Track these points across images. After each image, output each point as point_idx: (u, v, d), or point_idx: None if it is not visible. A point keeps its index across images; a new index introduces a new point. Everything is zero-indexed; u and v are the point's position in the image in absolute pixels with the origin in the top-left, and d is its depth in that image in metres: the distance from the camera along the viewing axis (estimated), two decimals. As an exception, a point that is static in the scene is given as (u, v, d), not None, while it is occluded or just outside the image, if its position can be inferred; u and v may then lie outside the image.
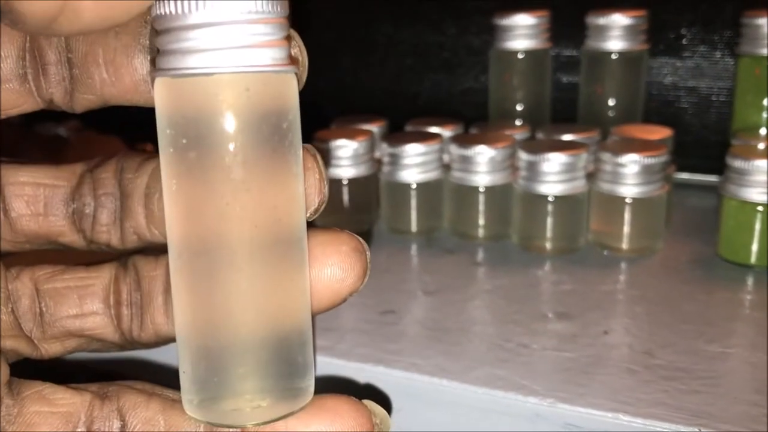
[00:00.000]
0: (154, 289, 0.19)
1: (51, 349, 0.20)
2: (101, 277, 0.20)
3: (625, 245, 0.39)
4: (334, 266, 0.18)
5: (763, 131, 0.42)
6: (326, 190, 0.18)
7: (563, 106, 0.49)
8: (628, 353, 0.30)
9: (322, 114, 0.49)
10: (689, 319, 0.32)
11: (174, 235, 0.17)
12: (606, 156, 0.38)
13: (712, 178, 0.46)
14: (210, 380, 0.17)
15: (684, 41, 0.47)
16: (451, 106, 0.52)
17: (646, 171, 0.38)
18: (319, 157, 0.18)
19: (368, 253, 0.18)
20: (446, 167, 0.42)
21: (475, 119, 0.47)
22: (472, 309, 0.34)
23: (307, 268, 0.17)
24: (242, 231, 0.16)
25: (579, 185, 0.39)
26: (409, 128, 0.45)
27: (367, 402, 0.18)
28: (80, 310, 0.19)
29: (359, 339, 0.31)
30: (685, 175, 0.48)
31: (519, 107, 0.47)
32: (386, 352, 0.30)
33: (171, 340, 0.19)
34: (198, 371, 0.17)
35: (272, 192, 0.16)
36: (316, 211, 0.18)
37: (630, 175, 0.38)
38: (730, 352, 0.30)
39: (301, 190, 0.17)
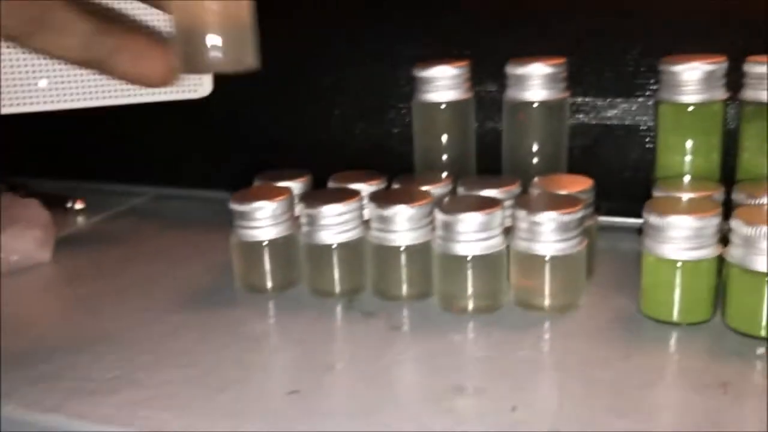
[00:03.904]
0: None
1: None
2: None
3: (545, 303, 0.38)
4: None
5: (686, 179, 0.41)
6: None
7: (492, 152, 0.48)
8: (534, 432, 0.29)
9: (252, 165, 0.48)
10: (602, 388, 0.31)
11: None
12: (522, 214, 0.37)
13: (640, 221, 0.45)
14: None
15: (607, 85, 0.46)
16: (380, 154, 0.51)
17: (563, 228, 0.37)
18: None
19: None
20: (368, 224, 0.41)
21: (405, 168, 0.47)
22: (378, 386, 0.33)
23: None
24: None
25: (496, 243, 0.38)
26: (331, 184, 0.44)
27: None
28: None
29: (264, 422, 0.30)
30: (614, 219, 0.47)
31: (444, 157, 0.46)
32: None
33: None
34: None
35: None
36: None
37: (547, 232, 0.37)
38: (637, 430, 0.29)
39: None
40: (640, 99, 0.46)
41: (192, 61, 0.31)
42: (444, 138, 0.46)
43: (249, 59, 0.32)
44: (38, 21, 0.30)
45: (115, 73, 0.33)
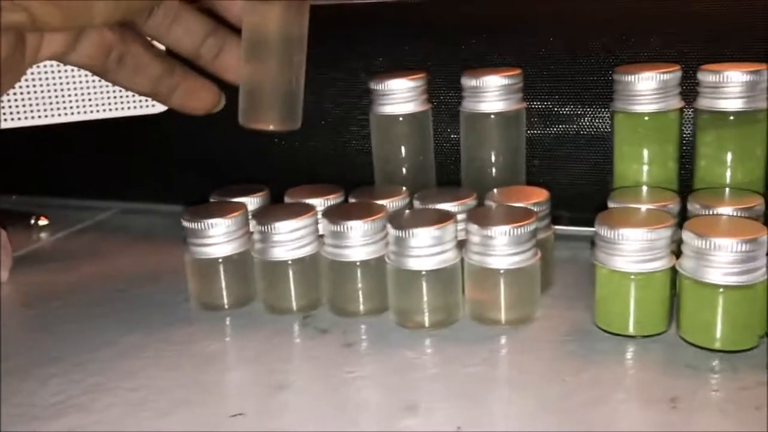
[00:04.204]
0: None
1: None
2: None
3: (500, 316, 0.38)
4: None
5: (642, 189, 0.41)
6: None
7: (452, 163, 0.48)
8: (479, 452, 0.28)
9: (214, 179, 0.48)
10: (551, 404, 0.31)
11: None
12: (474, 228, 0.37)
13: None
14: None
15: (564, 94, 0.46)
16: (340, 167, 0.51)
17: (516, 242, 0.37)
18: None
19: None
20: (323, 239, 0.41)
21: (365, 181, 0.46)
22: (327, 407, 0.32)
23: None
24: None
25: (449, 257, 0.37)
26: (287, 199, 0.44)
27: None
28: None
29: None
30: (576, 229, 0.47)
31: (403, 170, 0.46)
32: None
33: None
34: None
35: None
36: None
37: (499, 246, 0.37)
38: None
39: None
40: (601, 108, 0.45)
41: (249, 116, 0.39)
42: (403, 150, 0.45)
43: (293, 121, 0.39)
44: (119, 60, 0.38)
45: (171, 105, 0.42)
